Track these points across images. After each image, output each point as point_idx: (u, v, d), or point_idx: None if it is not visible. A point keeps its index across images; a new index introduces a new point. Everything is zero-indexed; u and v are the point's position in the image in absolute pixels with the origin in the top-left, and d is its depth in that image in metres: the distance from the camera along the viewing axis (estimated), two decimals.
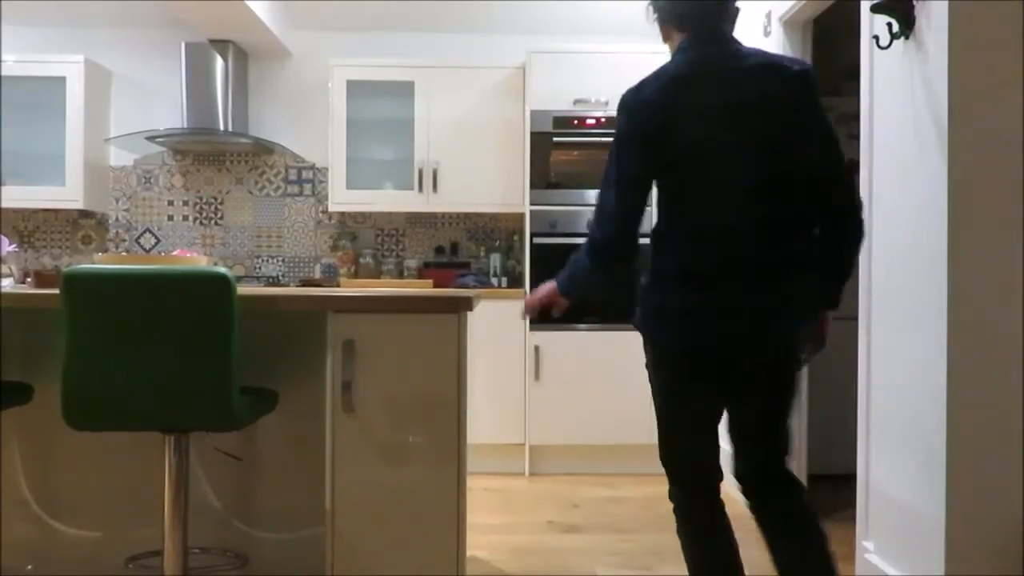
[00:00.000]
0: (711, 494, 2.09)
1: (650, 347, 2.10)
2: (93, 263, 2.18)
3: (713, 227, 1.95)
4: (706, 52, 2.00)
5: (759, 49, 2.08)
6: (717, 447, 2.10)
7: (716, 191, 1.95)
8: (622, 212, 2.03)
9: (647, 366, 2.15)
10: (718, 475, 2.11)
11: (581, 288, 2.18)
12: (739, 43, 2.03)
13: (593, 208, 2.13)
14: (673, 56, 2.07)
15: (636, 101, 2.02)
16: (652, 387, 2.14)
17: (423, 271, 4.92)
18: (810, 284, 1.98)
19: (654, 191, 2.10)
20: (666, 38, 2.14)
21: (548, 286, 2.19)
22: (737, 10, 2.07)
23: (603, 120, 4.40)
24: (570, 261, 2.18)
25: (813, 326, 2.07)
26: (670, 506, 2.30)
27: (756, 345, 1.98)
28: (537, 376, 4.35)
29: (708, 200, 1.97)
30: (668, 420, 2.11)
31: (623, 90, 2.10)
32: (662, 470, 2.32)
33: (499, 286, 4.66)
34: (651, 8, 2.15)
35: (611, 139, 2.07)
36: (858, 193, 2.06)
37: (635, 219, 2.04)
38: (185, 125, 4.69)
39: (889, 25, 2.46)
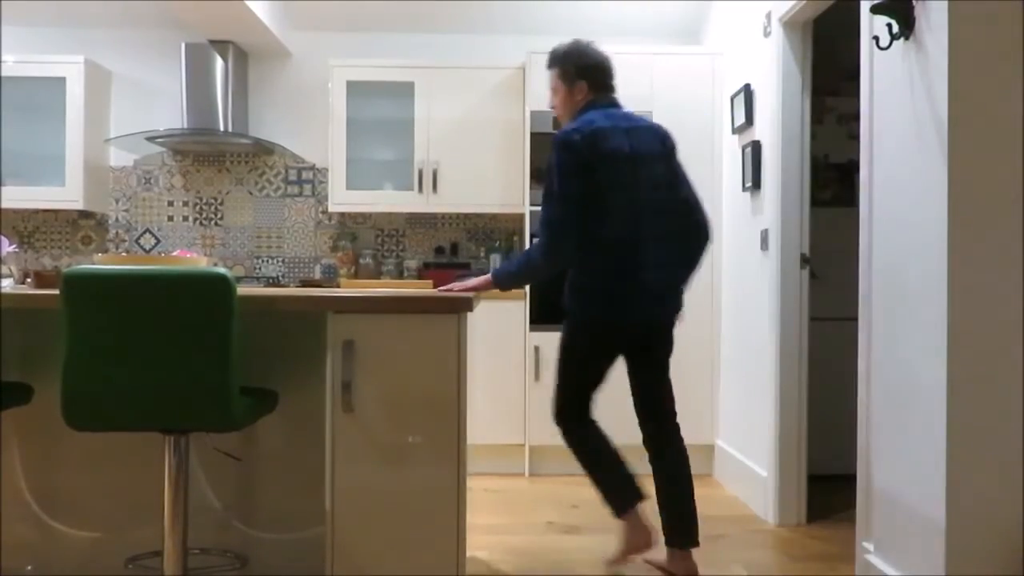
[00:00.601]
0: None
1: (577, 320, 2.72)
2: (93, 263, 2.18)
3: (625, 236, 2.64)
4: (610, 113, 2.73)
5: (637, 114, 2.82)
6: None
7: (626, 212, 2.65)
8: (572, 224, 2.62)
9: (565, 338, 2.75)
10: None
11: (519, 284, 3.00)
12: (621, 106, 2.83)
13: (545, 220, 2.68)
14: (585, 111, 2.74)
15: (573, 143, 2.63)
16: (567, 350, 2.75)
17: (423, 272, 4.92)
18: (682, 275, 2.80)
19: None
20: (571, 88, 2.78)
21: (483, 279, 2.76)
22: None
23: None
24: (519, 262, 2.77)
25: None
26: None
27: (660, 316, 2.75)
28: (537, 376, 4.35)
29: (620, 217, 2.64)
30: (579, 370, 2.75)
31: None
32: None
33: None
34: (558, 67, 2.79)
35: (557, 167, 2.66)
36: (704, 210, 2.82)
37: (580, 229, 2.63)
38: (185, 125, 4.69)
39: (889, 26, 2.46)
